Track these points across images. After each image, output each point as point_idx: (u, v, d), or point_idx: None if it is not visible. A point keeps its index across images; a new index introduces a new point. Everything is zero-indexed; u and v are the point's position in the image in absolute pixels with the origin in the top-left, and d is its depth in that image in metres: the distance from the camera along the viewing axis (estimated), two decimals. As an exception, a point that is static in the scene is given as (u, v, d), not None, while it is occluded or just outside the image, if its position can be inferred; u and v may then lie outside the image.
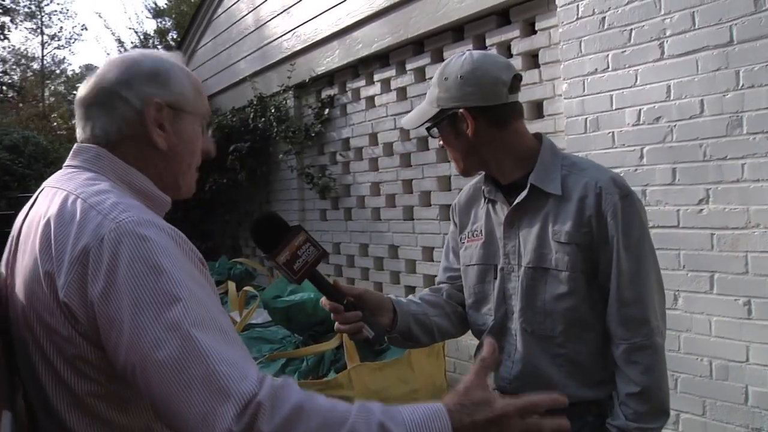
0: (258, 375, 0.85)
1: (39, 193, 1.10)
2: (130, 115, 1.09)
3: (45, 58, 25.04)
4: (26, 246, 1.00)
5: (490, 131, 1.50)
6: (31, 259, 0.97)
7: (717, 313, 2.43)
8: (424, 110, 1.57)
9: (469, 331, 1.70)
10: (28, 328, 0.97)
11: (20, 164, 9.67)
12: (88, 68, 26.37)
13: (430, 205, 3.95)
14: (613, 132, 2.73)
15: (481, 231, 1.63)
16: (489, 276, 1.60)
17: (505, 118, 1.51)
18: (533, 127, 3.17)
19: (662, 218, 2.58)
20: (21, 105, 21.35)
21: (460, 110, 1.48)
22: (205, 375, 0.83)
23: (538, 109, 3.20)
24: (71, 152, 1.13)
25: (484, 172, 1.61)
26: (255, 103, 5.67)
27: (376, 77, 4.34)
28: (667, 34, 2.52)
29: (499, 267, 1.57)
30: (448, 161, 3.56)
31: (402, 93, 4.12)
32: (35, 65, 25.14)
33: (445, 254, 1.79)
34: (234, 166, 5.63)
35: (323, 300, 1.47)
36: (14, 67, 23.71)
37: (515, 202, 1.51)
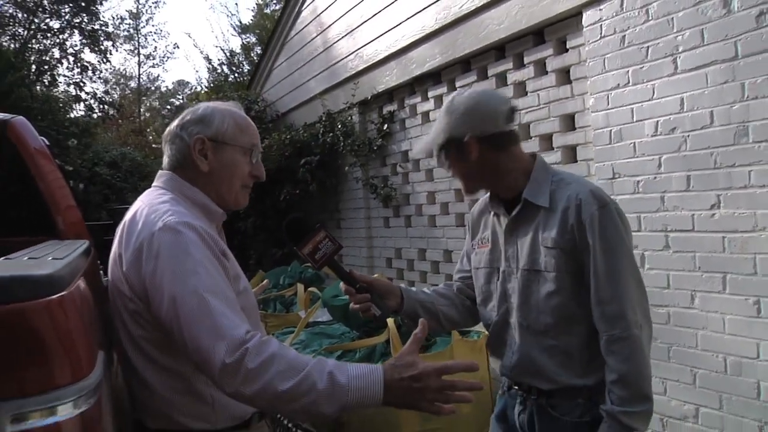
0: (248, 329, 1.25)
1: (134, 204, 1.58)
2: (184, 148, 1.54)
3: (141, 76, 26.78)
4: (117, 238, 1.46)
5: (490, 155, 1.77)
6: (115, 245, 1.44)
7: (729, 312, 2.58)
8: (432, 140, 1.85)
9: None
10: (112, 292, 1.43)
11: (118, 178, 10.57)
12: (180, 84, 28.05)
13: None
14: (634, 143, 2.92)
15: (488, 239, 1.91)
16: (494, 278, 1.88)
17: (503, 144, 1.78)
18: (566, 138, 3.40)
19: (679, 223, 2.74)
20: (120, 122, 22.95)
21: (466, 138, 1.76)
22: (211, 324, 1.23)
23: (571, 121, 3.40)
24: (156, 176, 1.60)
25: (489, 194, 1.90)
26: (324, 119, 6.09)
27: (430, 94, 4.64)
28: (680, 50, 2.70)
29: (501, 270, 1.84)
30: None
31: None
32: (132, 83, 26.92)
33: (460, 259, 2.08)
34: (305, 177, 6.07)
35: (342, 284, 1.81)
36: (114, 86, 25.50)
37: (512, 215, 1.79)
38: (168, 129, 1.60)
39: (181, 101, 25.85)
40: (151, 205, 1.43)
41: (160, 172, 1.59)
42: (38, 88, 10.17)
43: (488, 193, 1.94)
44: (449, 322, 1.99)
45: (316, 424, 3.26)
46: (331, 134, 5.91)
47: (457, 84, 4.29)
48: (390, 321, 3.30)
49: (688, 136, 2.68)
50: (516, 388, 1.87)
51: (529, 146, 3.64)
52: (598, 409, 1.69)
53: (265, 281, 2.29)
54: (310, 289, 4.59)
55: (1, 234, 2.19)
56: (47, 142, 2.68)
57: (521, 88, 3.73)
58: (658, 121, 2.81)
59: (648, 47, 2.83)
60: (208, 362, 1.21)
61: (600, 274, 1.67)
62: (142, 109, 26.91)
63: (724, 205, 2.57)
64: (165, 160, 1.58)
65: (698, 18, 2.63)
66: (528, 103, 3.64)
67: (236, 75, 18.75)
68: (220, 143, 1.55)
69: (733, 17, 2.50)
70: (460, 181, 1.84)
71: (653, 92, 2.82)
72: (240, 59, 19.70)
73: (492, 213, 1.89)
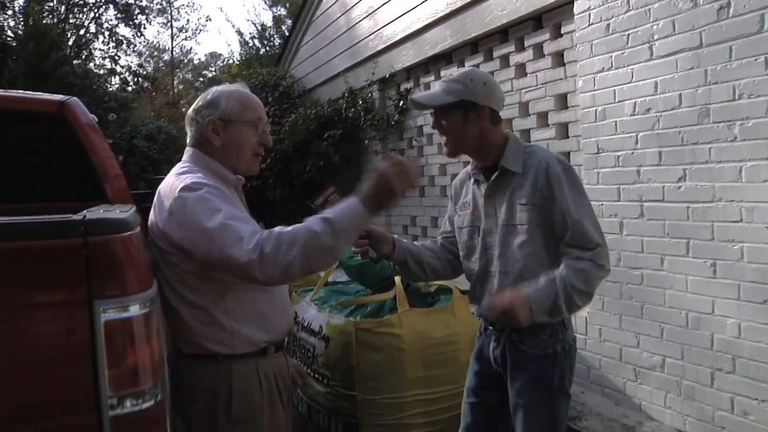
0: (260, 230, 1.69)
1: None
2: (200, 129, 1.94)
3: (174, 49, 27.38)
4: (154, 203, 1.88)
5: (487, 126, 2.15)
6: (152, 211, 1.86)
7: (691, 273, 2.91)
8: (442, 96, 2.14)
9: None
10: (156, 248, 1.84)
11: (155, 150, 11.12)
12: (213, 56, 28.53)
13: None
14: (615, 121, 3.24)
15: (470, 203, 2.29)
16: (475, 234, 2.26)
17: (497, 120, 2.16)
18: (560, 116, 3.72)
19: (652, 193, 3.07)
20: (154, 94, 23.54)
21: (482, 103, 2.13)
22: (235, 235, 1.64)
23: (564, 101, 3.72)
24: (184, 152, 2.01)
25: (472, 161, 2.27)
26: (346, 95, 6.45)
27: (442, 73, 4.97)
28: (655, 38, 3.00)
29: (481, 227, 2.22)
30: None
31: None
32: (165, 56, 27.54)
33: (443, 222, 2.46)
34: (328, 150, 6.47)
35: None
36: (148, 59, 26.14)
37: (491, 180, 2.17)
38: (188, 114, 2.01)
39: (214, 73, 26.32)
40: (177, 174, 1.85)
41: (186, 148, 2.01)
42: (76, 62, 10.68)
43: (469, 166, 2.31)
44: (433, 271, 2.38)
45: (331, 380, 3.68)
46: (353, 110, 6.28)
47: (466, 64, 4.62)
48: (397, 279, 3.70)
49: (661, 116, 3.00)
50: (491, 328, 2.27)
51: (527, 123, 3.97)
52: (559, 343, 2.08)
53: None
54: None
55: (58, 200, 2.61)
56: (96, 119, 3.10)
57: (522, 70, 4.05)
58: (636, 102, 3.12)
59: (629, 35, 3.13)
60: (239, 264, 1.64)
61: (571, 211, 2.01)
62: (175, 82, 27.53)
63: (689, 178, 2.89)
64: (188, 139, 2.00)
65: (670, 9, 2.92)
66: (527, 83, 3.97)
67: (267, 48, 19.13)
68: (228, 121, 1.94)
69: (698, 9, 2.79)
70: (450, 141, 2.14)
71: (632, 76, 3.13)
72: (271, 33, 20.04)
73: (472, 181, 2.26)
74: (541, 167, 2.08)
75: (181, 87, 27.86)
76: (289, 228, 1.70)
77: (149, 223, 1.88)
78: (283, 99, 7.66)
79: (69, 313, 1.27)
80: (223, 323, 1.87)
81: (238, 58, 20.16)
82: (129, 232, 1.34)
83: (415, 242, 2.39)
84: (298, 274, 1.72)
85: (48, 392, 1.27)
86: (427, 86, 5.26)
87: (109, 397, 1.29)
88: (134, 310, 1.31)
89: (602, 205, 3.31)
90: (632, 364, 3.24)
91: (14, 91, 3.07)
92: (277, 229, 1.70)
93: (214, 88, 2.04)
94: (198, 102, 2.00)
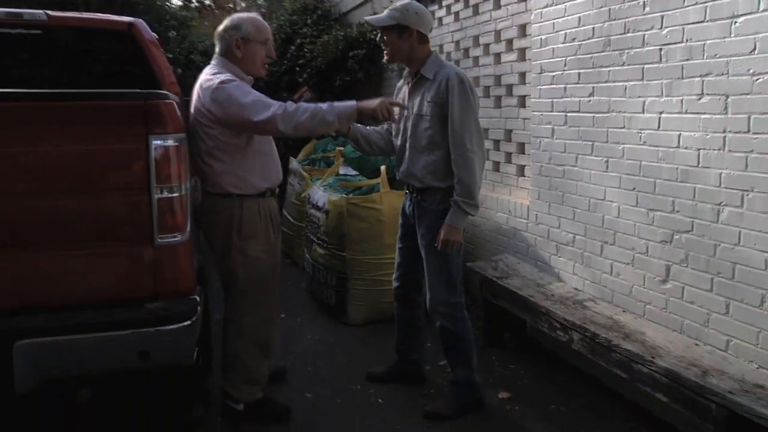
0: (281, 103, 2.73)
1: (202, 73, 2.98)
2: (227, 44, 2.96)
3: (237, -32, 27.82)
4: (195, 92, 2.91)
5: (415, 44, 3.09)
6: (195, 95, 2.90)
7: (593, 168, 3.77)
8: (385, 20, 3.09)
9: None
10: (194, 121, 2.88)
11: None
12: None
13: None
14: (553, 48, 4.04)
15: (404, 99, 3.25)
16: (402, 121, 3.23)
17: (425, 41, 3.10)
18: (521, 43, 4.53)
19: (572, 106, 3.90)
20: (217, 12, 24.35)
21: (411, 28, 3.05)
22: (264, 104, 2.73)
23: (524, 30, 4.50)
24: (212, 59, 2.99)
25: (407, 69, 3.20)
26: (371, 19, 7.26)
27: (444, 3, 5.73)
28: (581, -19, 3.76)
29: (405, 116, 3.18)
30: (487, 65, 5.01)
31: (456, 16, 5.51)
32: (229, -25, 28.03)
33: None
34: (354, 68, 7.36)
35: None
36: (212, -22, 26.73)
37: (413, 82, 3.12)
38: (217, 32, 3.00)
39: (273, -7, 26.72)
40: (212, 74, 2.89)
41: (214, 56, 3.02)
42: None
43: (406, 71, 3.24)
44: (378, 147, 3.37)
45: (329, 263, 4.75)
46: (375, 32, 7.10)
47: (462, -5, 5.39)
48: (382, 168, 4.70)
49: (581, 44, 3.80)
50: (408, 190, 3.27)
51: (499, 47, 4.78)
52: (449, 202, 3.06)
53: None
54: (338, 148, 6.08)
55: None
56: (157, 36, 4.04)
57: (497, 3, 4.82)
58: (566, 33, 3.92)
59: (564, -23, 3.90)
60: (268, 119, 2.69)
61: (455, 119, 2.98)
62: (238, -1, 28.09)
63: (595, 93, 3.71)
64: (216, 49, 3.00)
65: (592, -42, 3.68)
66: (500, 14, 4.75)
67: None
68: (246, 40, 2.94)
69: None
70: (388, 52, 3.13)
71: (565, 11, 3.91)
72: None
73: (405, 83, 3.21)
74: (444, 77, 3.01)
75: (244, 4, 28.45)
76: (307, 104, 2.79)
77: (193, 108, 2.87)
78: (320, 21, 8.50)
79: (137, 139, 2.39)
80: (238, 173, 2.93)
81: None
82: (168, 101, 2.39)
83: (367, 127, 3.35)
84: (303, 131, 2.83)
85: (123, 178, 2.41)
86: (433, 14, 6.03)
87: (155, 186, 2.39)
88: (170, 142, 2.38)
89: (542, 114, 4.17)
90: (555, 241, 4.17)
91: (91, 13, 4.09)
92: (294, 104, 2.77)
93: (237, 15, 3.02)
94: (225, 23, 2.98)
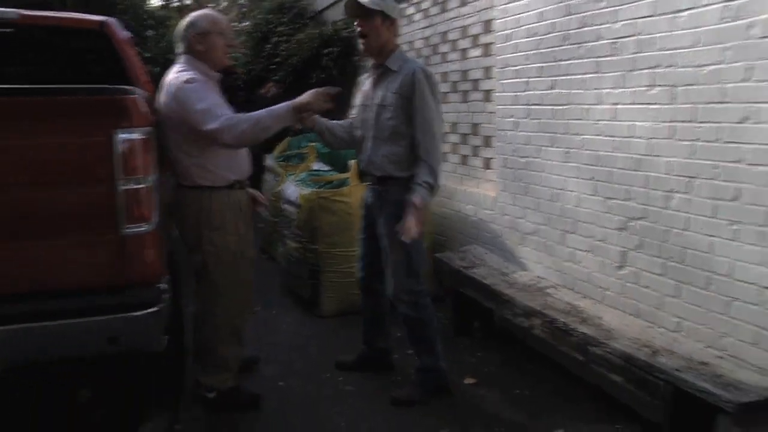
0: (231, 113, 2.84)
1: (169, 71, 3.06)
2: (187, 41, 3.03)
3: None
4: (162, 91, 2.98)
5: (392, 35, 3.18)
6: (162, 94, 2.96)
7: (554, 159, 3.89)
8: (372, 4, 3.09)
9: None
10: (164, 118, 2.94)
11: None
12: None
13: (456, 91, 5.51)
14: (516, 43, 4.15)
15: (365, 90, 3.34)
16: (364, 111, 3.32)
17: (397, 31, 3.20)
18: (486, 38, 4.64)
19: (534, 99, 4.00)
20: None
21: (394, 16, 3.15)
22: (214, 114, 2.82)
23: (489, 26, 4.62)
24: (177, 57, 3.08)
25: (373, 61, 3.29)
26: (345, 18, 7.35)
27: (413, 0, 5.85)
28: (541, -22, 3.88)
29: (367, 105, 3.27)
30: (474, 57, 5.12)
31: (426, 13, 5.61)
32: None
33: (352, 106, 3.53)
34: (328, 65, 7.45)
35: None
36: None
37: (378, 74, 3.21)
38: (176, 31, 3.09)
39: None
40: (177, 72, 2.98)
41: (178, 55, 3.10)
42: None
43: (371, 63, 3.33)
44: (342, 140, 3.45)
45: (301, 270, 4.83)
46: (349, 30, 7.20)
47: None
48: (352, 162, 4.79)
49: (542, 39, 3.91)
50: (369, 182, 3.36)
51: (464, 43, 4.90)
52: (409, 193, 3.15)
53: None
54: (311, 144, 6.16)
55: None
56: (131, 34, 4.10)
57: (463, 1, 4.93)
58: (528, 28, 4.03)
59: (525, -26, 4.02)
60: (213, 131, 2.79)
61: (423, 108, 3.08)
62: (218, -2, 27.99)
63: (556, 86, 3.83)
64: (180, 49, 3.08)
65: (551, -45, 3.79)
66: (467, 11, 4.86)
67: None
68: (204, 34, 3.03)
69: (566, -43, 3.66)
70: (366, 42, 3.18)
71: (527, 6, 4.03)
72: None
73: (370, 75, 3.31)
74: (410, 70, 3.11)
75: (225, 3, 28.31)
76: (248, 114, 2.87)
77: (161, 101, 2.94)
78: (296, 20, 8.59)
79: (106, 131, 2.46)
80: (207, 166, 3.02)
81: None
82: (134, 96, 2.48)
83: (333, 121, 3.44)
84: (247, 141, 2.93)
85: (90, 170, 2.49)
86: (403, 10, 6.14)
87: (122, 177, 2.47)
88: (137, 135, 2.46)
89: (506, 107, 4.29)
90: (520, 231, 4.29)
91: (65, 12, 4.14)
92: (240, 114, 2.86)
93: (194, 13, 3.10)
94: (181, 24, 3.08)
